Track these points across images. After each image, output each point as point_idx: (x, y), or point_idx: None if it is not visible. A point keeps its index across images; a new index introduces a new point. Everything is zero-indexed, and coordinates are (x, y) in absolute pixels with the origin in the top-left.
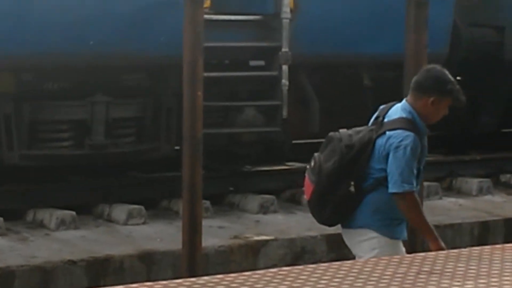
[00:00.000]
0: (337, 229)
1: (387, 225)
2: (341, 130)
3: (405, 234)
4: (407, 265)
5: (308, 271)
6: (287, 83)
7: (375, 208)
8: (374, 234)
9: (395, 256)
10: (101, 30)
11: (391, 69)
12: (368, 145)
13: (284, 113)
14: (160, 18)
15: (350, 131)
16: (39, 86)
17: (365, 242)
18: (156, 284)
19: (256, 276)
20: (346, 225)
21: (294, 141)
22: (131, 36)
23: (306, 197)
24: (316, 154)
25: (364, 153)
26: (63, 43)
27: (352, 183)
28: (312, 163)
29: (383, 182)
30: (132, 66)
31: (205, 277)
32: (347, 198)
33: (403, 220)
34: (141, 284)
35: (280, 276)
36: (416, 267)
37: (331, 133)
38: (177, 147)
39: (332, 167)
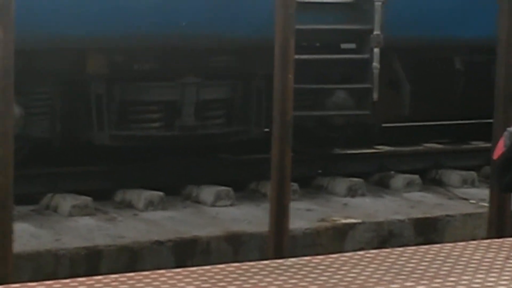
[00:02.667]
0: (424, 213)
1: None
2: None
3: None
4: (496, 250)
5: (395, 254)
6: (378, 66)
7: None
8: None
9: (484, 241)
10: (192, 11)
11: (483, 53)
12: None
13: (375, 96)
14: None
15: None
16: (130, 67)
17: None
18: (243, 265)
19: (343, 258)
20: None
21: (383, 125)
22: (222, 17)
23: (494, 156)
24: None
25: None
26: (154, 25)
27: None
28: None
29: None
30: (223, 48)
31: (292, 259)
32: None
33: None
34: (228, 265)
35: (367, 259)
36: (505, 252)
37: None
38: (266, 129)
39: None
